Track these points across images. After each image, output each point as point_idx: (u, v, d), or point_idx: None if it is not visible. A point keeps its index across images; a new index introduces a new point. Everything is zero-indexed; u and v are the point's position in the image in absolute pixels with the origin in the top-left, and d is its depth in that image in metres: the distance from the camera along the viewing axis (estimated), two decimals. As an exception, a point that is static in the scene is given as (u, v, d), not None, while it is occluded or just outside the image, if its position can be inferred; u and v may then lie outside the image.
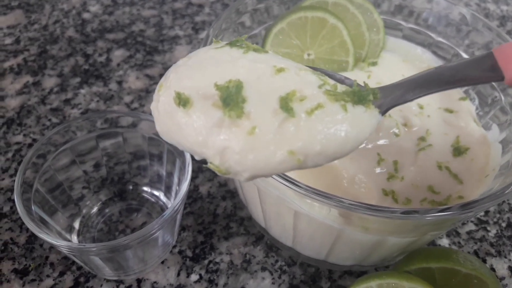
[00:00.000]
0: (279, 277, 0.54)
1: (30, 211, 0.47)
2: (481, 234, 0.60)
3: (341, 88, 0.33)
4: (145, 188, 0.60)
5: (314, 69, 0.36)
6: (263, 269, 0.55)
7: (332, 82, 0.33)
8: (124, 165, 0.59)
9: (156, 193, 0.60)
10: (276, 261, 0.55)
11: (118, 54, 0.83)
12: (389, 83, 0.37)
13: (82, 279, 0.53)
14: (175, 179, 0.56)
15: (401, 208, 0.37)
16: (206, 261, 0.55)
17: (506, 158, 0.49)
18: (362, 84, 0.36)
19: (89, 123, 0.54)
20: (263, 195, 0.46)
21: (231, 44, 0.35)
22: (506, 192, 0.40)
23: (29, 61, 0.81)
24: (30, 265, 0.54)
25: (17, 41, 0.85)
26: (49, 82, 0.77)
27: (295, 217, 0.45)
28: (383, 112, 0.34)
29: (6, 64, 0.80)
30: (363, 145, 0.51)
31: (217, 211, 0.60)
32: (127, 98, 0.74)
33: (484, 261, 0.57)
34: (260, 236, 0.58)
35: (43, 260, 0.54)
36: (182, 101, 0.30)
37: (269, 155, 0.29)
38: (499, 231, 0.60)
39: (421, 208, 0.37)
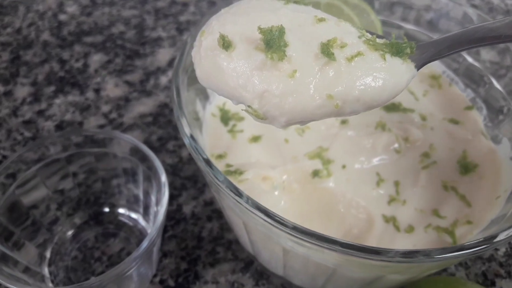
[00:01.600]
0: (270, 309, 0.49)
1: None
2: (489, 253, 0.55)
3: (379, 40, 0.34)
4: (122, 211, 0.55)
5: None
6: (252, 300, 0.50)
7: (370, 35, 0.34)
8: (98, 184, 0.54)
9: (134, 216, 0.55)
10: (267, 290, 0.51)
11: (96, 59, 0.77)
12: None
13: (53, 316, 0.48)
14: (153, 199, 0.51)
15: (400, 250, 0.32)
16: (189, 293, 0.50)
17: (520, 178, 0.44)
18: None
19: (62, 140, 0.51)
20: (249, 228, 0.41)
21: None
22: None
23: (1, 68, 0.75)
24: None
25: (-12, 46, 0.79)
26: (22, 91, 0.72)
27: (285, 253, 0.40)
28: (419, 67, 0.34)
29: (-24, 72, 0.74)
30: (360, 165, 0.46)
31: (202, 233, 0.55)
32: (105, 108, 0.69)
33: (493, 283, 0.53)
34: (249, 262, 0.53)
35: (11, 294, 0.50)
36: (226, 43, 0.31)
37: (308, 98, 0.30)
38: (508, 249, 0.55)
39: (423, 249, 0.32)
